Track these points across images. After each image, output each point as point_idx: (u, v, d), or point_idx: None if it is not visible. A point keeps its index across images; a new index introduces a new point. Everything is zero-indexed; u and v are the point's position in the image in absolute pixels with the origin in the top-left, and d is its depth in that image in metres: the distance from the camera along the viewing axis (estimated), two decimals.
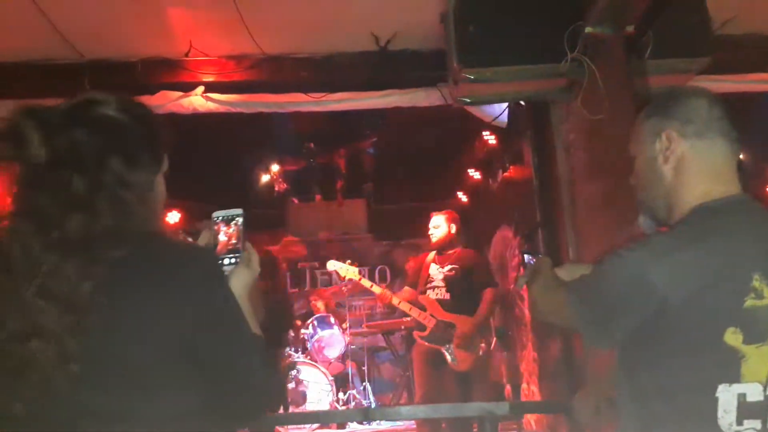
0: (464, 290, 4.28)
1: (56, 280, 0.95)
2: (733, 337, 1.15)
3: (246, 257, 1.19)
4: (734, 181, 1.30)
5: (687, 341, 1.17)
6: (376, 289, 4.57)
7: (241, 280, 1.15)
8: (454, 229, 4.45)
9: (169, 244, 1.10)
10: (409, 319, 4.46)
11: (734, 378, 1.14)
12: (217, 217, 1.24)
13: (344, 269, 4.91)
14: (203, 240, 1.22)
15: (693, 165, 1.29)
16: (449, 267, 4.36)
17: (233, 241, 1.22)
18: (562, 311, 1.36)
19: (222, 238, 1.22)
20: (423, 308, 4.30)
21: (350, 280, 5.18)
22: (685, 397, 1.17)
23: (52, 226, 0.98)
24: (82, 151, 1.03)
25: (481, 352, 4.25)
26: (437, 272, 4.38)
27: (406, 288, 4.55)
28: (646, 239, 1.28)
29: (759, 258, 1.19)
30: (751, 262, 1.18)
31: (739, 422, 1.14)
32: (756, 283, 1.16)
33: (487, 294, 4.28)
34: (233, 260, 1.19)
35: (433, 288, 4.35)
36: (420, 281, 4.43)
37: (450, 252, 4.42)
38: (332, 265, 5.01)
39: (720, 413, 1.14)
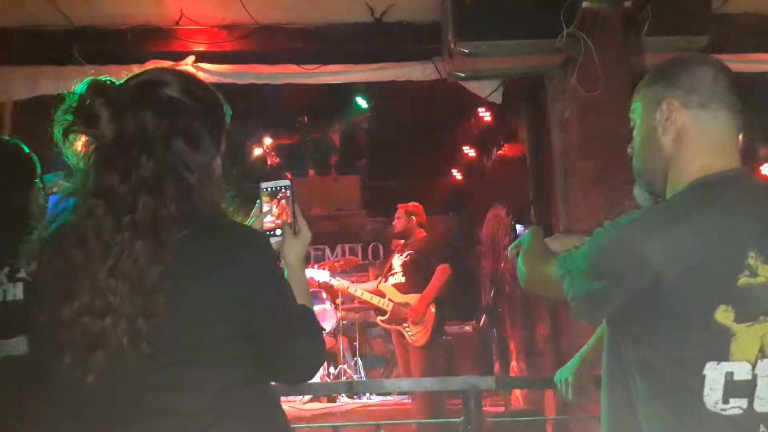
0: (419, 272, 4.64)
1: (127, 261, 0.99)
2: (724, 315, 1.13)
3: (296, 227, 1.24)
4: (735, 154, 1.26)
5: (677, 318, 1.16)
6: (334, 282, 5.20)
7: (293, 250, 1.21)
8: (414, 220, 4.85)
9: (224, 227, 1.12)
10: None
11: (723, 356, 1.13)
12: (266, 189, 1.26)
13: (317, 274, 5.43)
14: (255, 212, 1.26)
15: (694, 137, 1.25)
16: (407, 254, 4.76)
17: (282, 212, 1.24)
18: (551, 282, 1.33)
19: (271, 209, 1.24)
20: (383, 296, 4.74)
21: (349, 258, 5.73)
22: (672, 374, 1.16)
23: (123, 207, 1.02)
24: (149, 133, 1.06)
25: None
26: (397, 261, 4.83)
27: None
28: (641, 212, 1.25)
29: (755, 235, 1.16)
30: (747, 239, 1.15)
31: (725, 400, 1.12)
32: (751, 261, 1.14)
33: (438, 269, 4.57)
34: (282, 231, 1.22)
35: (393, 274, 4.81)
36: (384, 272, 4.94)
37: (410, 240, 4.83)
38: (307, 272, 5.49)
39: (706, 391, 1.12)
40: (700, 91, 1.25)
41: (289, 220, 1.23)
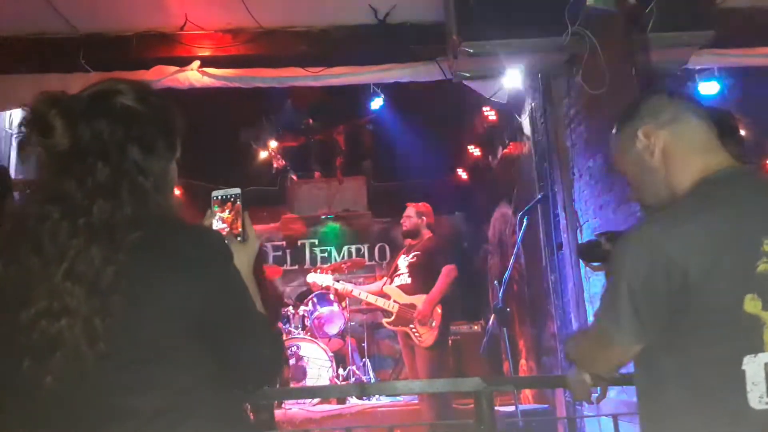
0: (426, 273, 4.59)
1: (83, 264, 1.02)
2: (752, 304, 1.13)
3: (245, 235, 1.26)
4: (724, 153, 1.31)
5: (708, 314, 1.15)
6: (338, 286, 5.12)
7: (241, 258, 1.20)
8: (423, 220, 4.82)
9: (180, 228, 1.14)
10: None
11: (758, 347, 1.13)
12: (216, 197, 1.28)
13: (320, 278, 5.38)
14: (206, 219, 1.28)
15: (678, 147, 1.32)
16: (413, 254, 4.72)
17: (232, 220, 1.26)
18: (600, 342, 1.32)
19: (221, 216, 1.26)
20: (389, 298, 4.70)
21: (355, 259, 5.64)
22: (712, 376, 1.15)
23: (79, 212, 1.04)
24: (104, 140, 1.09)
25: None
26: (403, 261, 4.79)
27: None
28: (652, 216, 1.27)
29: (767, 223, 1.17)
30: (760, 227, 1.17)
31: None
32: (766, 248, 1.14)
33: (444, 270, 4.53)
34: (234, 239, 1.24)
35: (399, 275, 4.75)
36: (389, 274, 4.89)
37: (417, 241, 4.79)
38: (311, 277, 5.54)
39: (749, 386, 1.12)
40: (664, 111, 1.34)
41: (238, 229, 1.25)
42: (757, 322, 1.13)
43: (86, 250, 1.02)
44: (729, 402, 1.14)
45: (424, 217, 4.83)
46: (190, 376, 1.07)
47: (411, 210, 4.86)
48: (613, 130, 1.43)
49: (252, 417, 4.30)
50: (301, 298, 6.46)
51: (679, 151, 1.31)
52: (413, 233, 4.83)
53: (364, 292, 4.95)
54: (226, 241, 1.20)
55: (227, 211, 1.26)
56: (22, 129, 1.09)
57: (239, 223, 1.26)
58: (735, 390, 1.13)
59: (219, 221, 1.26)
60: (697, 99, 1.40)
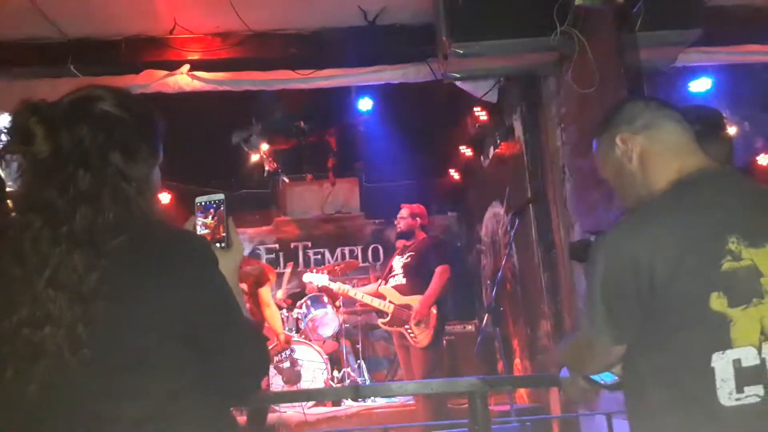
0: (420, 273, 4.61)
1: (65, 271, 1.01)
2: (718, 302, 1.15)
3: (228, 241, 1.24)
4: (701, 154, 1.35)
5: (675, 313, 1.17)
6: (334, 286, 5.07)
7: (225, 264, 1.19)
8: (417, 221, 4.85)
9: (165, 232, 1.13)
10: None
11: (726, 344, 1.14)
12: (199, 203, 1.27)
13: (316, 278, 5.33)
14: (188, 225, 1.26)
15: (655, 151, 1.36)
16: (407, 255, 4.73)
17: (215, 226, 1.25)
18: (586, 343, 1.35)
19: (204, 222, 1.25)
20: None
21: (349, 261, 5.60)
22: (683, 373, 1.17)
23: (60, 219, 1.03)
24: (85, 147, 1.09)
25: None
26: (398, 262, 4.80)
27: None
28: (621, 219, 1.30)
29: (735, 221, 1.20)
30: (727, 225, 1.19)
31: (739, 389, 1.13)
32: (732, 246, 1.17)
33: (437, 270, 4.56)
34: (216, 245, 1.23)
35: (394, 276, 4.76)
36: (384, 274, 4.90)
37: (411, 242, 4.81)
38: (307, 277, 5.48)
39: (718, 383, 1.13)
40: (639, 117, 1.39)
41: (221, 234, 1.24)
42: (723, 319, 1.15)
43: (68, 258, 1.01)
44: (701, 400, 1.15)
45: (419, 218, 4.86)
46: (176, 383, 1.06)
47: (405, 211, 4.89)
48: (594, 142, 1.48)
49: (245, 421, 4.30)
50: (294, 299, 6.45)
51: (656, 155, 1.35)
52: (408, 234, 4.85)
53: (359, 292, 4.96)
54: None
55: (210, 216, 1.25)
56: (3, 137, 1.09)
57: (222, 228, 1.24)
58: (705, 387, 1.14)
59: (202, 227, 1.25)
60: (672, 104, 1.43)
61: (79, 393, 1.01)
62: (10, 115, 1.09)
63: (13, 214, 1.08)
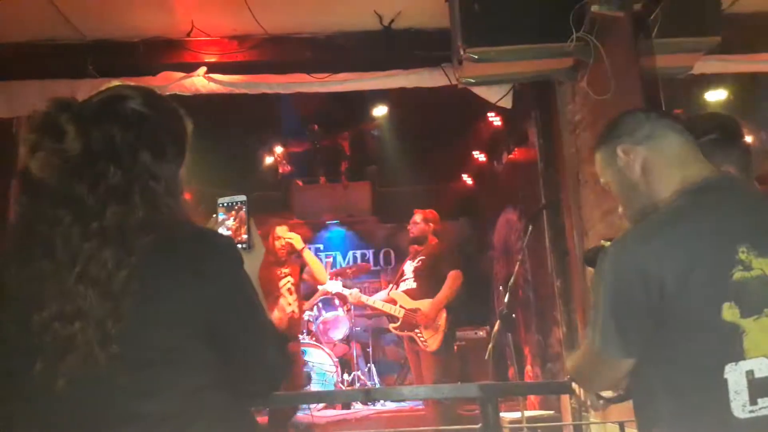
0: (431, 277, 4.62)
1: (95, 267, 1.02)
2: (730, 312, 1.14)
3: (250, 242, 1.25)
4: (704, 163, 1.34)
5: (687, 324, 1.16)
6: (345, 291, 5.04)
7: (247, 265, 1.19)
8: (430, 227, 4.86)
9: (192, 232, 1.14)
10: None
11: (739, 355, 1.13)
12: (221, 204, 1.27)
13: (330, 284, 5.21)
14: (209, 226, 1.27)
15: (657, 161, 1.35)
16: (419, 260, 4.75)
17: (237, 227, 1.25)
18: (592, 357, 1.32)
19: (226, 224, 1.25)
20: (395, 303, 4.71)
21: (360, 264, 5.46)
22: (695, 385, 1.15)
23: (91, 216, 1.04)
24: (116, 145, 1.10)
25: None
26: (409, 267, 4.84)
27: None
28: (628, 230, 1.29)
29: (744, 230, 1.19)
30: (736, 234, 1.18)
31: (753, 401, 1.12)
32: (742, 255, 1.16)
33: (449, 275, 4.57)
34: (239, 246, 1.22)
35: (405, 280, 4.80)
36: (395, 279, 4.93)
37: (423, 247, 4.83)
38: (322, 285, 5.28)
39: (732, 395, 1.12)
40: (641, 128, 1.39)
41: (242, 236, 1.25)
42: (736, 330, 1.13)
43: (98, 254, 1.03)
44: (714, 412, 1.14)
45: (431, 224, 4.86)
46: (199, 381, 1.07)
47: (418, 216, 4.89)
48: (595, 153, 1.48)
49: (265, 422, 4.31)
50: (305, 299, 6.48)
51: (658, 166, 1.35)
52: (420, 239, 4.86)
53: (372, 299, 4.98)
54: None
55: (232, 218, 1.26)
56: (33, 134, 1.09)
57: (243, 230, 1.25)
58: (719, 399, 1.13)
59: (223, 228, 1.26)
60: (674, 114, 1.46)
61: (107, 388, 1.02)
62: (39, 112, 1.09)
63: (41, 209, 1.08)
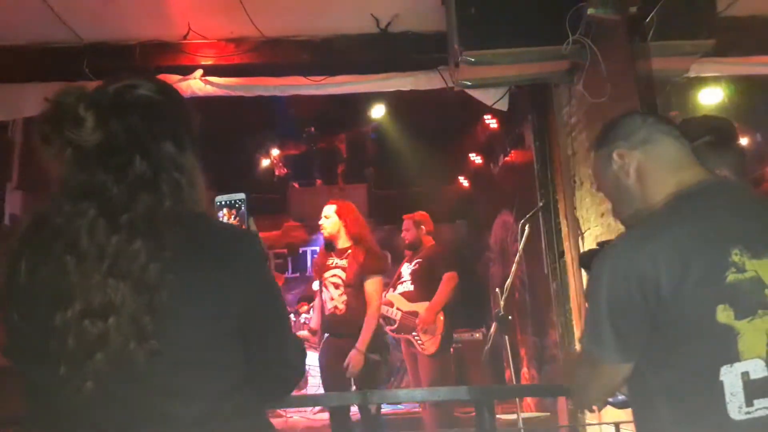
0: (428, 280, 4.60)
1: (125, 260, 0.96)
2: (724, 314, 1.14)
3: None
4: (699, 167, 1.35)
5: (682, 327, 1.16)
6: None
7: None
8: (423, 229, 4.84)
9: (220, 227, 1.12)
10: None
11: (734, 357, 1.13)
12: (220, 202, 1.26)
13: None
14: None
15: (652, 166, 1.36)
16: (415, 262, 4.74)
17: (238, 225, 1.24)
18: (590, 366, 1.30)
19: (226, 222, 1.24)
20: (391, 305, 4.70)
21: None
22: (691, 388, 1.16)
23: (117, 207, 0.99)
24: (138, 134, 1.05)
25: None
26: (406, 269, 4.79)
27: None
28: (624, 234, 1.30)
29: (737, 232, 1.19)
30: (729, 237, 1.18)
31: (749, 403, 1.12)
32: (735, 258, 1.16)
33: (445, 277, 4.56)
34: None
35: (402, 283, 4.76)
36: (392, 281, 4.89)
37: (419, 249, 4.81)
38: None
39: (728, 397, 1.12)
40: (636, 133, 1.38)
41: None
42: (730, 332, 1.14)
43: (128, 246, 0.97)
44: (710, 414, 1.14)
45: (423, 226, 4.86)
46: (229, 381, 1.03)
47: (408, 222, 4.91)
48: (591, 154, 1.49)
49: None
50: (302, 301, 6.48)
51: (653, 170, 1.35)
52: (414, 244, 4.86)
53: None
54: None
55: (232, 216, 1.25)
56: (48, 124, 1.03)
57: (244, 228, 1.24)
58: (715, 402, 1.13)
59: None
60: (670, 119, 1.45)
61: (140, 388, 0.97)
62: (53, 102, 1.03)
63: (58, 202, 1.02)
